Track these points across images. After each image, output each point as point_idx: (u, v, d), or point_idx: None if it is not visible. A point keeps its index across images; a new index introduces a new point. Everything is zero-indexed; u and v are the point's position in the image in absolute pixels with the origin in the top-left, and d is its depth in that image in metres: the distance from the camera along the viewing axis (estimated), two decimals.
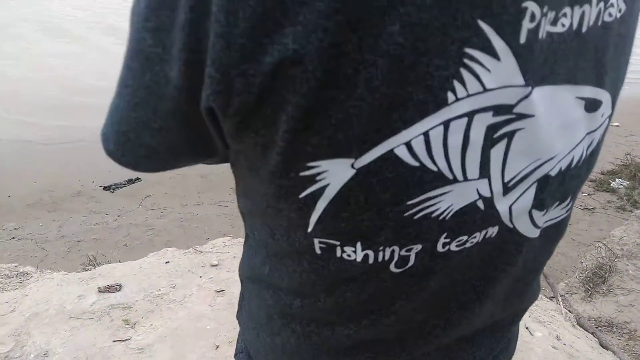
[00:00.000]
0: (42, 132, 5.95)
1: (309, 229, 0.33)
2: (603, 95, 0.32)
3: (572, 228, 4.60)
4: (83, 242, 4.20)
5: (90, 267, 2.31)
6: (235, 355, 0.53)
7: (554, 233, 0.39)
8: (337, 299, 0.38)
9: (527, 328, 1.66)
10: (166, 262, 1.86)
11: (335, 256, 0.34)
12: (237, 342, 0.54)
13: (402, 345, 0.40)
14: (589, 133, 0.33)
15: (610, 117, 0.35)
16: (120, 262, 2.10)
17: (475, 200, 0.32)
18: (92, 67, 7.89)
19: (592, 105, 0.31)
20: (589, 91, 0.30)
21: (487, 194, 0.32)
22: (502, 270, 0.38)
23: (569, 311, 2.07)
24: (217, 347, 1.53)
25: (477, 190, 0.32)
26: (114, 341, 1.55)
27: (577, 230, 4.54)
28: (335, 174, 0.30)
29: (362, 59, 0.25)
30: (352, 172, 0.29)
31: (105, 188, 5.05)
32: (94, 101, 6.64)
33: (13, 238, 4.18)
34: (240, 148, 0.31)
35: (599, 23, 0.28)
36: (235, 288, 1.80)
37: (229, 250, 1.98)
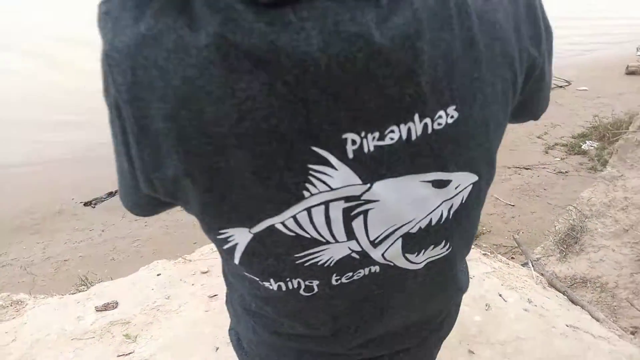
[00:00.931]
0: (18, 152, 5.94)
1: (236, 263, 0.47)
2: (450, 176, 0.43)
3: (548, 192, 4.83)
4: (70, 261, 4.26)
5: (83, 287, 2.39)
6: (229, 330, 0.73)
7: (441, 263, 0.52)
8: (273, 308, 0.54)
9: (500, 295, 1.82)
10: (158, 275, 1.96)
11: (260, 284, 0.49)
12: (230, 325, 0.72)
13: (334, 340, 0.57)
14: (445, 200, 0.45)
15: (476, 183, 0.46)
16: (111, 279, 2.20)
17: (350, 253, 0.46)
18: (64, 84, 7.80)
19: (440, 183, 0.43)
20: (433, 175, 0.42)
21: (358, 249, 0.46)
22: (396, 290, 0.52)
23: (541, 274, 2.25)
24: (217, 349, 1.65)
25: (349, 247, 0.45)
26: (118, 356, 1.66)
27: (552, 194, 4.76)
28: (240, 236, 0.44)
29: (231, 175, 0.38)
30: (251, 235, 0.43)
31: (86, 204, 5.08)
32: (68, 118, 6.61)
33: None
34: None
35: (429, 131, 0.39)
36: None
37: (216, 256, 2.10)
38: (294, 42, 0.33)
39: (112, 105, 0.38)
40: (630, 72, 8.53)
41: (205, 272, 1.95)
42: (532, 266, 2.34)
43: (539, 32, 0.43)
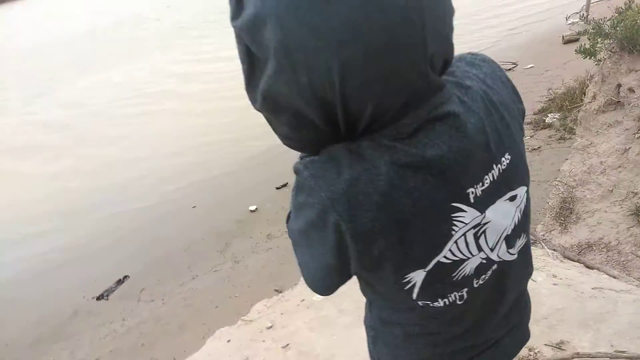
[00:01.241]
0: (12, 267, 5.91)
1: (414, 298, 0.69)
2: (516, 191, 0.68)
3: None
4: (101, 358, 4.28)
5: None
6: None
7: (524, 249, 0.77)
8: (438, 322, 0.75)
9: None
10: (228, 341, 2.11)
11: (429, 306, 0.71)
12: None
13: (479, 331, 0.79)
14: (517, 207, 0.70)
15: (527, 190, 0.72)
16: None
17: (481, 261, 0.69)
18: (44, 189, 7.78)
19: (512, 198, 0.68)
20: (509, 195, 0.68)
21: (484, 256, 0.68)
22: (506, 277, 0.75)
23: (554, 250, 2.51)
24: None
25: (480, 257, 0.68)
26: None
27: (533, 171, 5.08)
28: (418, 276, 0.66)
29: (411, 241, 0.62)
30: (424, 273, 0.66)
31: (98, 298, 5.10)
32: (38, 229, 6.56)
33: None
34: (370, 277, 0.68)
35: (500, 171, 0.64)
36: (297, 338, 2.10)
37: (273, 310, 2.27)
38: (433, 152, 0.58)
39: (332, 230, 0.60)
40: (568, 41, 9.15)
41: (270, 327, 2.12)
42: (544, 245, 2.61)
43: (518, 95, 0.73)
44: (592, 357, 1.60)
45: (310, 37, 0.48)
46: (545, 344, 1.73)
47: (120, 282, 5.32)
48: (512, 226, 0.70)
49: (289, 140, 0.63)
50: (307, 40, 0.48)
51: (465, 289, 0.71)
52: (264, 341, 2.06)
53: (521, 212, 0.71)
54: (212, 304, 4.78)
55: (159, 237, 6.09)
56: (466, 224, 0.64)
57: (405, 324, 0.78)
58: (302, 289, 2.46)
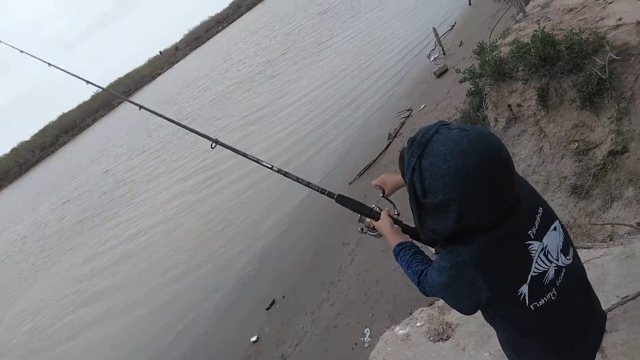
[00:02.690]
0: None
1: (527, 304, 1.19)
2: (555, 224, 1.22)
3: None
4: None
5: None
6: None
7: (574, 257, 1.29)
8: (540, 319, 1.24)
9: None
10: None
11: (537, 305, 1.20)
12: None
13: (574, 324, 1.30)
14: (558, 232, 1.23)
15: (559, 221, 1.28)
16: None
17: (555, 269, 1.20)
18: None
19: (555, 229, 1.22)
20: (551, 227, 1.22)
21: (555, 265, 1.20)
22: (572, 274, 1.27)
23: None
24: None
25: (553, 266, 1.20)
26: None
27: None
28: (523, 289, 1.17)
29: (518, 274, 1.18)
30: (527, 285, 1.17)
31: None
32: None
33: None
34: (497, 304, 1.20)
35: (541, 217, 1.18)
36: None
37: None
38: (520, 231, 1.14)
39: (471, 285, 1.13)
40: (440, 75, 10.73)
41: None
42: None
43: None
44: (609, 311, 2.16)
45: (476, 208, 1.06)
46: None
47: None
48: (561, 243, 1.23)
49: (431, 238, 1.19)
50: (475, 209, 1.06)
51: (554, 288, 1.21)
52: None
53: (562, 234, 1.25)
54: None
55: None
56: (536, 249, 1.16)
57: (527, 331, 1.28)
58: None
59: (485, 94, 4.37)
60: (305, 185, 1.78)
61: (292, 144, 12.24)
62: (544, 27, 3.99)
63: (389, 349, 2.79)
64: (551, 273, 1.20)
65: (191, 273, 8.96)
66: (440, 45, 12.14)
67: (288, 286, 6.89)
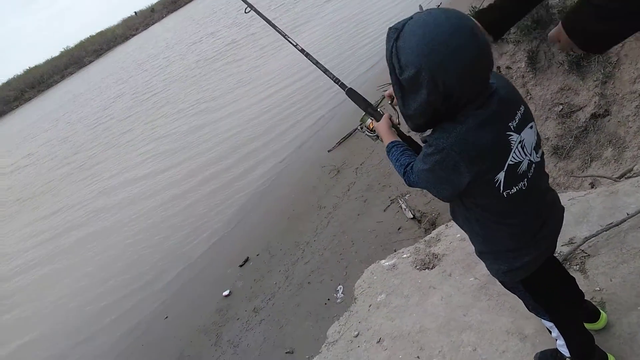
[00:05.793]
0: None
1: (501, 191, 1.29)
2: (531, 123, 1.32)
3: None
4: None
5: None
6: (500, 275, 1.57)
7: (542, 156, 1.38)
8: (514, 204, 1.35)
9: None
10: None
11: (509, 193, 1.30)
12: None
13: (538, 212, 1.42)
14: (534, 131, 1.33)
15: (535, 124, 1.38)
16: None
17: (528, 161, 1.31)
18: None
19: (531, 126, 1.32)
20: (529, 125, 1.31)
21: (528, 159, 1.31)
22: (541, 170, 1.39)
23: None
24: None
25: (527, 159, 1.30)
26: None
27: None
28: (500, 175, 1.27)
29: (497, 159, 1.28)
30: (504, 172, 1.26)
31: None
32: None
33: None
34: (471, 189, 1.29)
35: (521, 113, 1.29)
36: (384, 331, 2.51)
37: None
38: (492, 110, 1.23)
39: (454, 169, 1.23)
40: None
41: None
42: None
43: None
44: (594, 237, 2.29)
45: (446, 74, 1.10)
46: (561, 245, 2.39)
47: None
48: (534, 142, 1.33)
49: (417, 123, 1.25)
50: (445, 75, 1.10)
51: (525, 179, 1.31)
52: None
53: (536, 134, 1.35)
54: None
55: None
56: (515, 140, 1.25)
57: (498, 217, 1.37)
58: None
59: None
60: (322, 71, 1.83)
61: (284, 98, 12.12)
62: None
63: (374, 277, 2.87)
64: (524, 165, 1.30)
65: (165, 231, 8.86)
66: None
67: (264, 245, 6.92)
